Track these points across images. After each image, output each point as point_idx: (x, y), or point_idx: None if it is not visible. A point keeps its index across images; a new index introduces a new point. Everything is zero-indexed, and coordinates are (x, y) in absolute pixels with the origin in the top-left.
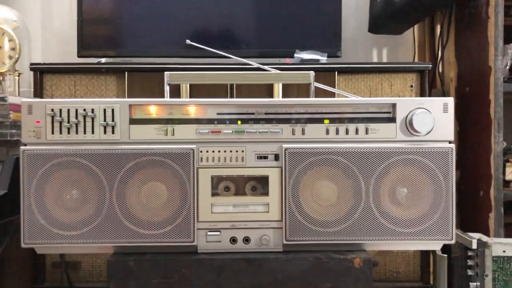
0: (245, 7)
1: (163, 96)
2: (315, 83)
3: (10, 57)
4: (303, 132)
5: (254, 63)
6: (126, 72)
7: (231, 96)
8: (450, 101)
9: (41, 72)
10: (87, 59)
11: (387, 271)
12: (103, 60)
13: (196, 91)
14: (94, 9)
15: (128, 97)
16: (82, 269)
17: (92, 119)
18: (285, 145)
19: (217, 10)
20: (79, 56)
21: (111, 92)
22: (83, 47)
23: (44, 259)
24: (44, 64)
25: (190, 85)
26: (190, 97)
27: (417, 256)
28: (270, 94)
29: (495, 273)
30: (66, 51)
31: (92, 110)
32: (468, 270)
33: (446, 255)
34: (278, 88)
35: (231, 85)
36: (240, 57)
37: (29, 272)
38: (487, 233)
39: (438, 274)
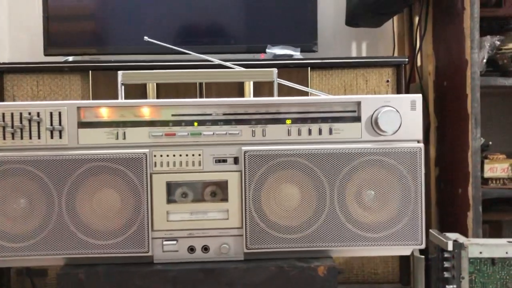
0: (218, 1)
1: (130, 96)
2: (279, 80)
3: None
4: (263, 133)
5: (216, 60)
6: (90, 71)
7: (201, 96)
8: (418, 98)
9: (1, 72)
10: (54, 58)
11: (366, 272)
12: (71, 58)
13: (165, 90)
14: (60, 5)
15: (92, 97)
16: (49, 276)
17: (38, 123)
18: (244, 148)
19: (190, 5)
20: (45, 55)
21: (75, 92)
22: (50, 45)
23: (8, 267)
24: (3, 63)
25: (157, 85)
26: (158, 96)
27: (396, 257)
28: (241, 93)
29: (472, 275)
30: (35, 49)
31: (38, 114)
32: (444, 272)
33: (423, 257)
34: (249, 87)
35: (200, 85)
36: (212, 53)
37: None
38: (466, 233)
39: (416, 275)
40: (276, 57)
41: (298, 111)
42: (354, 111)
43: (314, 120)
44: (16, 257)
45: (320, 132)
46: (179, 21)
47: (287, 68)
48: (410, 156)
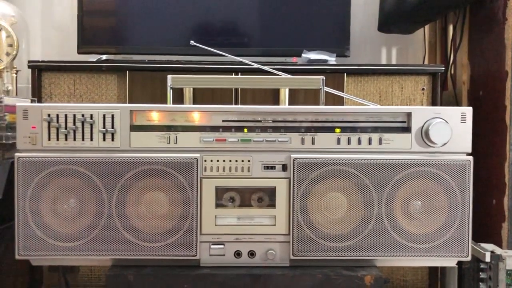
0: (251, 4)
1: (164, 97)
2: (326, 88)
3: (8, 54)
4: (313, 141)
5: (261, 66)
6: (127, 71)
7: (236, 100)
8: (469, 111)
9: (39, 70)
10: (87, 56)
11: (395, 279)
12: (104, 57)
13: (200, 94)
14: (95, 3)
15: (129, 96)
16: (81, 272)
17: (91, 125)
18: (293, 155)
19: (222, 6)
20: (79, 53)
21: (111, 92)
22: (84, 43)
23: None
24: (42, 61)
25: (194, 88)
26: (194, 100)
27: None
28: (276, 98)
29: (508, 287)
30: (66, 47)
31: (91, 116)
32: (480, 283)
33: (457, 266)
34: (284, 93)
35: (236, 90)
36: (245, 55)
37: (26, 275)
38: (499, 243)
39: (448, 285)
40: (311, 62)
41: (348, 120)
42: (404, 122)
43: (363, 130)
44: (65, 257)
45: (370, 142)
46: (210, 23)
47: (323, 74)
48: (459, 169)
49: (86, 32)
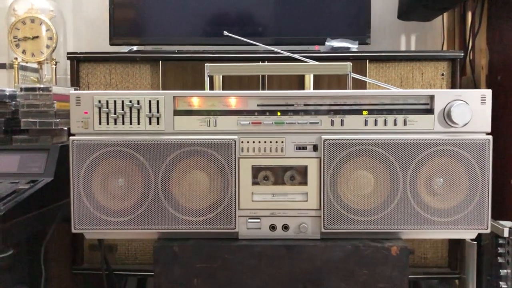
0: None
1: (195, 84)
2: (353, 74)
3: (48, 46)
4: (341, 123)
5: (291, 54)
6: (160, 61)
7: (263, 86)
8: (488, 93)
9: (77, 61)
10: (119, 47)
11: (416, 256)
12: (135, 47)
13: (228, 81)
14: None
15: (162, 85)
16: (118, 251)
17: (138, 110)
18: (324, 136)
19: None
20: (111, 44)
21: (145, 81)
22: (115, 35)
23: (82, 241)
24: (80, 53)
25: (222, 76)
26: (222, 86)
27: (445, 242)
28: (301, 84)
29: None
30: (96, 39)
31: (138, 102)
32: (498, 258)
33: (475, 242)
34: (309, 79)
35: (263, 77)
36: (267, 44)
37: (68, 254)
38: None
39: (468, 261)
40: (334, 49)
41: (375, 103)
42: (427, 104)
43: (389, 112)
44: (116, 230)
45: (395, 123)
46: (234, 12)
47: (346, 60)
48: (479, 147)
49: (118, 24)
